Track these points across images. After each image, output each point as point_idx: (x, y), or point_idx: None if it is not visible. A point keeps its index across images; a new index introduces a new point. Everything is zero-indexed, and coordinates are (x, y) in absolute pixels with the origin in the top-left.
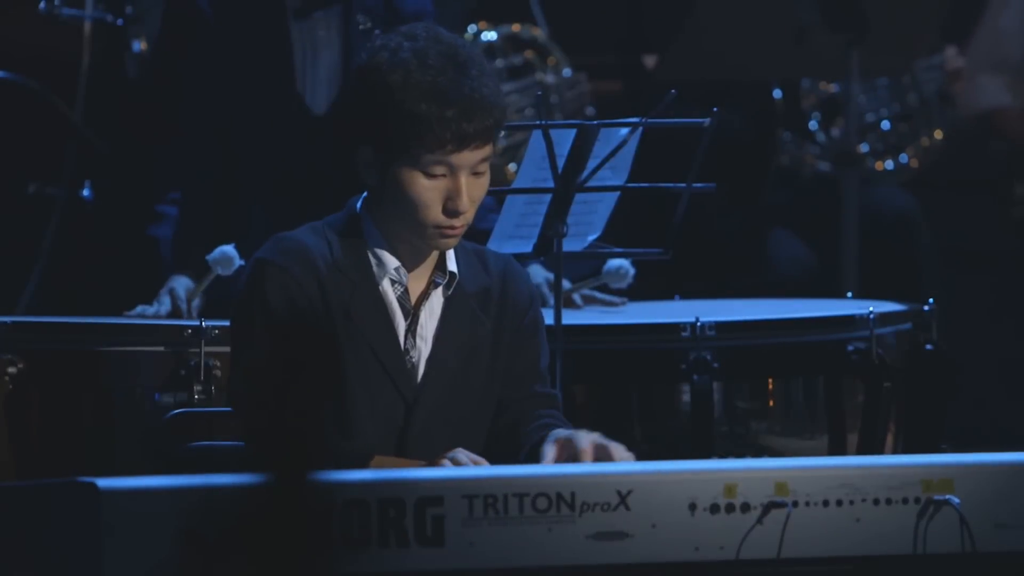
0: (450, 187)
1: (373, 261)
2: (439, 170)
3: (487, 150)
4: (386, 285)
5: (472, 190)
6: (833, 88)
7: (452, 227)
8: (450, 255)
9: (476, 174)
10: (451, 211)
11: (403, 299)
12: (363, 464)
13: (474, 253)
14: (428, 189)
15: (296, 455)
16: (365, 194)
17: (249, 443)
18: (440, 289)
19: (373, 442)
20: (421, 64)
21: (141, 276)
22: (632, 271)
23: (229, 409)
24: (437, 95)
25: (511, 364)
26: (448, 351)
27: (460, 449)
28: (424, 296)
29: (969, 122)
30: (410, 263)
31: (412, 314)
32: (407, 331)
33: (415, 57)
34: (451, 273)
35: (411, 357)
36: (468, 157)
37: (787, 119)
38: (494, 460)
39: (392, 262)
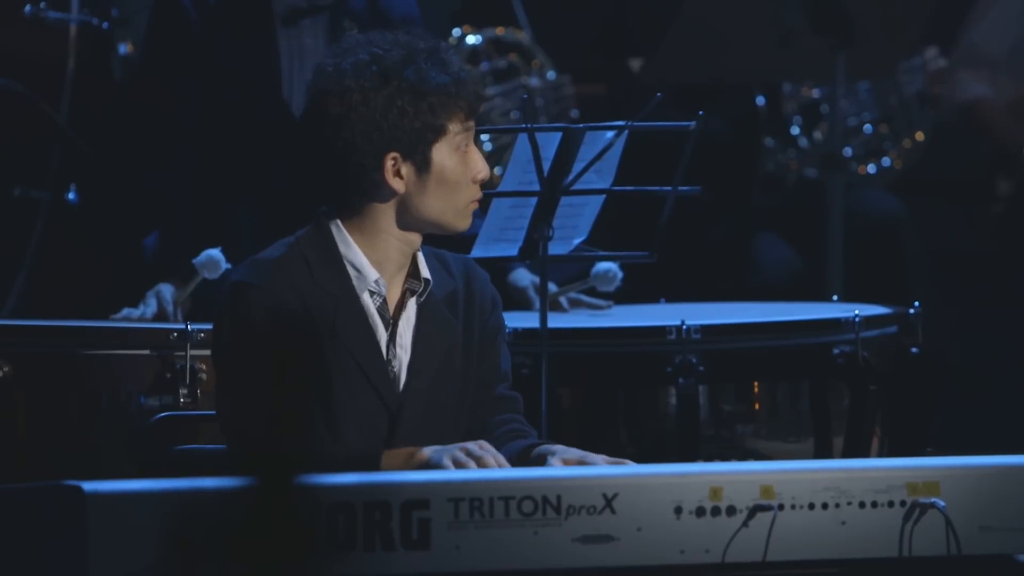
0: (472, 158)
1: (352, 274)
2: (464, 141)
3: None
4: (366, 297)
5: None
6: (814, 93)
7: (480, 197)
8: (422, 262)
9: None
10: (480, 180)
11: (382, 309)
12: (375, 465)
13: (435, 257)
14: (462, 164)
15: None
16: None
17: (238, 456)
18: (414, 297)
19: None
20: (411, 53)
21: (127, 279)
22: (620, 274)
23: (214, 413)
24: (443, 66)
25: (477, 366)
26: (426, 357)
27: (484, 442)
28: (401, 305)
29: (951, 118)
30: (388, 273)
31: (392, 323)
32: (388, 341)
33: (401, 50)
34: (425, 280)
35: (393, 367)
36: (473, 124)
37: (769, 124)
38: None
39: (372, 274)
